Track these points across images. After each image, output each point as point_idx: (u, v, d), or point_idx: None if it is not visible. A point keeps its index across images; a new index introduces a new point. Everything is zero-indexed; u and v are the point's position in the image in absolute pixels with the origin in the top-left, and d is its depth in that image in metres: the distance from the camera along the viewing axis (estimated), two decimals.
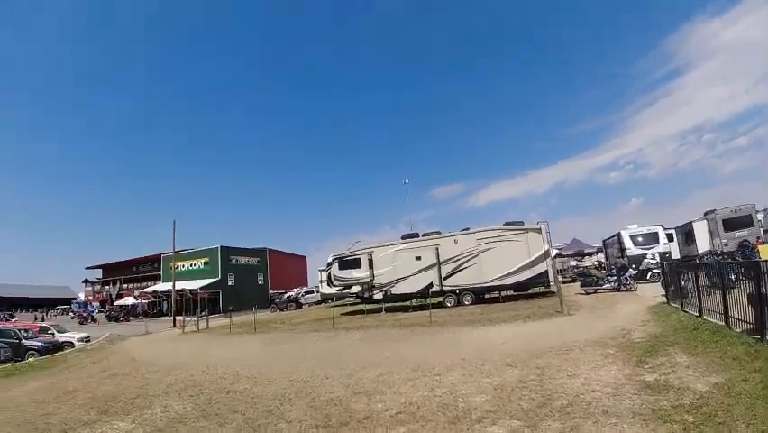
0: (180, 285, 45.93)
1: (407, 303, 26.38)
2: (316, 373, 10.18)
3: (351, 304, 37.74)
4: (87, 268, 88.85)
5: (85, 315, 53.42)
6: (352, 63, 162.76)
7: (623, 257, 27.44)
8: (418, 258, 24.99)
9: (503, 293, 24.44)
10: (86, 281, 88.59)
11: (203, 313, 34.28)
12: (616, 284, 22.45)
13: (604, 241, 37.40)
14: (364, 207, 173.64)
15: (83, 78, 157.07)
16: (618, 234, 29.40)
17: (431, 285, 24.63)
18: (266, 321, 29.45)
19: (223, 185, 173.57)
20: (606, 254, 37.22)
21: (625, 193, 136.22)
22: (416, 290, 24.98)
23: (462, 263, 24.39)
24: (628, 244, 27.94)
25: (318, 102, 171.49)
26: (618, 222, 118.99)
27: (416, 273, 24.92)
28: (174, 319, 37.16)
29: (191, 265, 58.25)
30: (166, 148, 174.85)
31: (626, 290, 21.52)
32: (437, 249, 24.79)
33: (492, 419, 5.93)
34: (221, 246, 56.72)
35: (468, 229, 25.60)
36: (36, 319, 54.02)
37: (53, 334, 25.37)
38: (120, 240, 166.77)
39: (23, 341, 21.26)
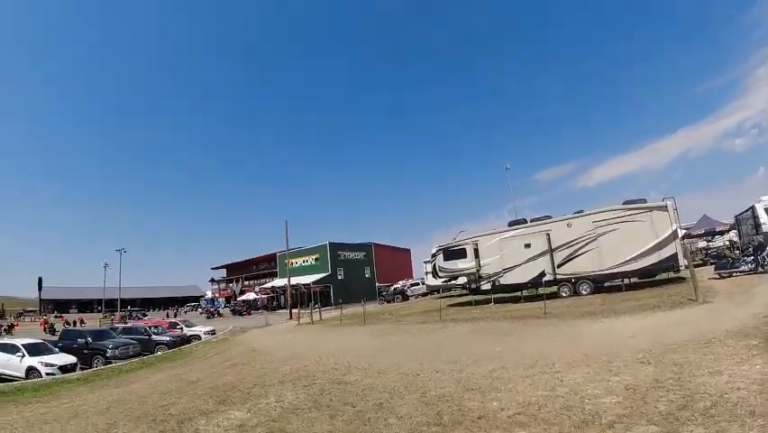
0: (295, 280, 48.49)
1: (518, 293, 25.24)
2: (426, 367, 9.89)
3: (457, 295, 37.14)
4: (213, 268, 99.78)
5: (212, 310, 58.73)
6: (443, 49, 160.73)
7: (758, 234, 23.59)
8: (528, 245, 23.70)
9: (625, 281, 22.24)
10: (212, 280, 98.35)
11: (316, 306, 35.76)
12: (753, 265, 19.46)
13: (736, 217, 32.43)
14: (465, 197, 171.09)
15: (197, 89, 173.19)
16: (752, 208, 25.10)
17: (543, 274, 23.23)
18: (374, 313, 29.93)
19: (328, 185, 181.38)
20: (739, 232, 32.30)
21: (751, 162, 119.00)
22: (526, 279, 23.74)
23: (578, 249, 22.62)
24: (764, 218, 23.88)
25: (409, 94, 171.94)
26: (750, 194, 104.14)
27: (526, 262, 23.65)
28: (290, 312, 39.32)
29: (303, 262, 61.28)
30: (271, 151, 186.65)
31: (765, 272, 18.51)
32: (548, 235, 23.28)
33: (626, 423, 5.17)
34: (329, 243, 59.01)
35: (582, 211, 23.70)
36: (167, 316, 60.19)
37: (181, 328, 27.94)
38: (240, 242, 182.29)
39: (153, 336, 23.44)
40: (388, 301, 46.12)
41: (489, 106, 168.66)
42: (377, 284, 62.51)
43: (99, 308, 75.31)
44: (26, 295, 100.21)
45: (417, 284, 50.53)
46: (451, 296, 39.14)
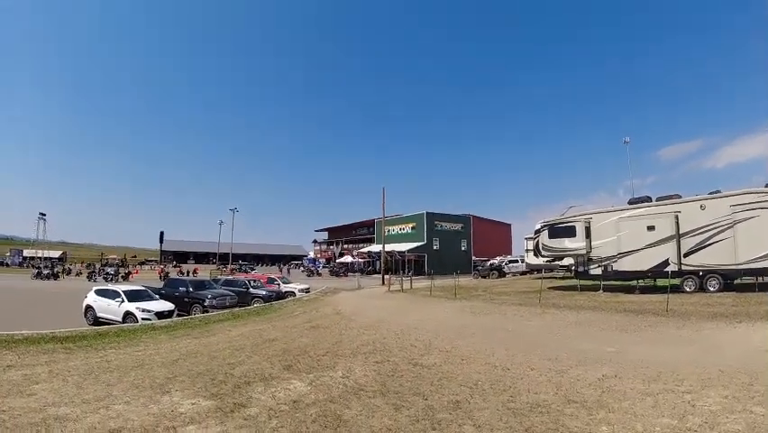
0: (390, 247, 48.38)
1: (631, 283, 22.31)
2: (518, 360, 8.43)
3: (560, 278, 34.26)
4: (316, 231, 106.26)
5: (312, 269, 61.44)
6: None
7: None
8: (651, 228, 20.52)
9: (759, 280, 18.61)
10: (314, 241, 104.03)
11: (408, 274, 35.10)
12: None
13: None
14: (576, 172, 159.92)
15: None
16: None
17: (666, 263, 20.04)
18: (467, 287, 28.50)
19: (433, 156, 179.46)
20: None
21: None
22: (645, 267, 20.69)
23: (710, 237, 19.09)
24: None
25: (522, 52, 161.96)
26: None
27: (648, 247, 20.53)
28: (383, 278, 39.20)
29: (400, 229, 61.16)
30: (379, 124, 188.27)
31: None
32: (677, 217, 19.95)
33: None
34: (426, 212, 58.05)
35: (718, 192, 19.94)
36: (279, 270, 63.69)
37: (278, 284, 28.73)
38: (344, 206, 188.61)
39: (250, 289, 24.23)
40: (483, 277, 44.19)
41: (613, 71, 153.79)
42: (473, 258, 60.62)
43: (214, 260, 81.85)
44: (150, 246, 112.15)
45: (516, 261, 47.75)
46: (553, 277, 36.29)
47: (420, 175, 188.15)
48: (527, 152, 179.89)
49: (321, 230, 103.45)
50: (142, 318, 16.36)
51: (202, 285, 22.60)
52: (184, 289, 21.11)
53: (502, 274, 44.22)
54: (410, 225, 60.02)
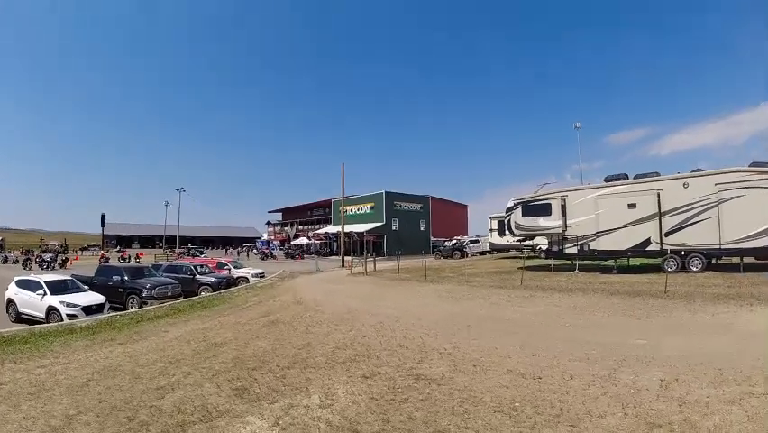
0: (348, 228, 46.19)
1: (608, 263, 21.32)
2: (544, 363, 6.62)
3: (526, 258, 33.21)
4: (270, 211, 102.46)
5: (266, 252, 58.27)
6: None
7: None
8: (632, 206, 19.42)
9: (744, 260, 17.94)
10: (268, 223, 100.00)
11: (370, 255, 33.16)
12: None
13: None
14: (525, 156, 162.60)
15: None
16: None
17: (648, 242, 19.06)
18: (434, 268, 26.81)
19: (388, 134, 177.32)
20: None
21: None
22: (626, 246, 19.64)
23: (693, 216, 18.23)
24: None
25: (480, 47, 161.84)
26: None
27: (628, 226, 19.47)
28: (342, 260, 37.13)
29: (358, 210, 59.16)
30: (330, 101, 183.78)
31: None
32: (659, 195, 18.94)
33: None
34: (385, 192, 56.22)
35: (701, 171, 19.10)
36: (227, 253, 60.26)
37: (229, 269, 25.87)
38: (297, 187, 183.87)
39: (197, 276, 21.34)
40: (445, 257, 43.05)
41: (563, 63, 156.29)
42: (432, 238, 59.51)
43: (161, 244, 77.09)
44: (93, 231, 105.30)
45: (477, 241, 46.98)
46: (516, 257, 35.34)
47: (377, 157, 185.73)
48: (484, 137, 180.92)
49: (275, 211, 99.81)
50: (67, 314, 13.81)
51: (140, 273, 19.46)
52: (118, 277, 18.10)
53: (464, 255, 43.14)
54: (369, 205, 58.08)
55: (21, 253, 61.49)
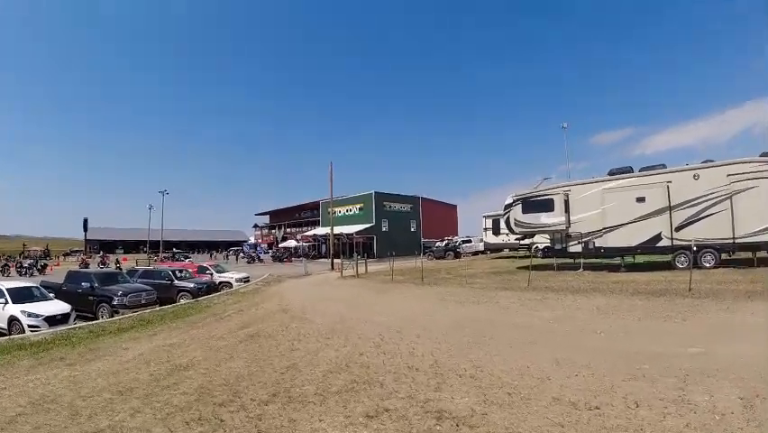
0: (337, 230, 44.63)
1: (615, 261, 20.14)
2: (596, 386, 5.20)
3: (522, 257, 31.95)
4: (257, 214, 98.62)
5: (253, 255, 56.45)
6: None
7: None
8: (640, 199, 18.20)
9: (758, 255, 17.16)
10: (255, 226, 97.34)
11: (361, 258, 31.69)
12: None
13: None
14: (513, 157, 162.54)
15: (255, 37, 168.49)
16: None
17: (659, 237, 17.87)
18: (429, 270, 25.31)
19: (375, 134, 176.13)
20: None
21: None
22: (635, 242, 18.41)
23: (705, 209, 17.13)
24: None
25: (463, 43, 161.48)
26: None
27: (637, 221, 18.27)
28: (332, 262, 35.62)
29: (347, 211, 57.71)
30: (318, 102, 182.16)
31: None
32: (668, 187, 17.75)
33: None
34: (375, 192, 54.79)
35: (711, 161, 17.98)
36: (213, 258, 58.36)
37: (211, 274, 24.26)
38: (285, 189, 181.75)
39: (176, 282, 19.80)
40: (438, 258, 41.73)
41: (551, 62, 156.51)
42: (422, 239, 58.19)
43: (145, 249, 74.75)
44: (78, 236, 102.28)
45: (469, 241, 45.79)
46: (512, 257, 34.12)
47: (364, 159, 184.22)
48: (469, 135, 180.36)
49: (262, 213, 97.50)
50: (29, 325, 12.49)
51: (112, 279, 17.84)
52: (88, 284, 16.46)
53: (458, 255, 41.83)
54: (358, 206, 56.59)
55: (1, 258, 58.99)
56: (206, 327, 11.51)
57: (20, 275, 36.15)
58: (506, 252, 38.93)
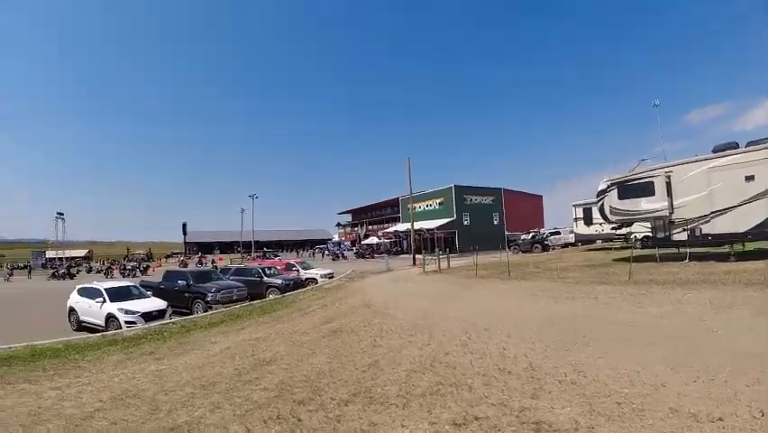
0: (418, 225, 44.33)
1: (724, 248, 17.93)
2: (720, 391, 4.58)
3: (619, 248, 29.61)
4: (339, 213, 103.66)
5: (337, 252, 58.20)
6: None
7: None
8: (749, 178, 15.97)
9: None
10: (338, 224, 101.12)
11: (443, 253, 31.14)
12: None
13: None
14: (600, 141, 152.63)
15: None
16: None
17: None
18: (515, 264, 24.19)
19: (456, 131, 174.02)
20: None
21: None
22: (744, 228, 16.21)
23: None
24: None
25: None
26: None
27: (746, 203, 16.06)
28: (413, 258, 35.34)
29: (427, 206, 57.28)
30: (397, 101, 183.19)
31: None
32: None
33: None
34: (455, 186, 53.77)
35: None
36: (299, 256, 60.97)
37: (297, 271, 25.18)
38: (366, 187, 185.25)
39: (264, 278, 20.87)
40: (524, 251, 39.90)
41: (639, 38, 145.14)
42: (506, 232, 56.19)
43: (239, 249, 79.53)
44: (176, 240, 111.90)
45: (558, 233, 43.44)
46: (606, 249, 31.73)
47: (442, 152, 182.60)
48: (554, 122, 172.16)
49: (344, 212, 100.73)
50: (125, 322, 13.32)
51: (206, 276, 19.19)
52: (183, 282, 17.80)
53: (546, 248, 39.79)
54: (437, 201, 55.94)
55: (104, 262, 65.70)
56: (291, 321, 11.74)
57: (123, 276, 40.13)
58: (598, 243, 36.36)
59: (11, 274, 48.84)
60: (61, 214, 68.83)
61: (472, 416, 4.47)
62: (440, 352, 7.14)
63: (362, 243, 67.85)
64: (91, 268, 58.28)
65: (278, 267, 25.24)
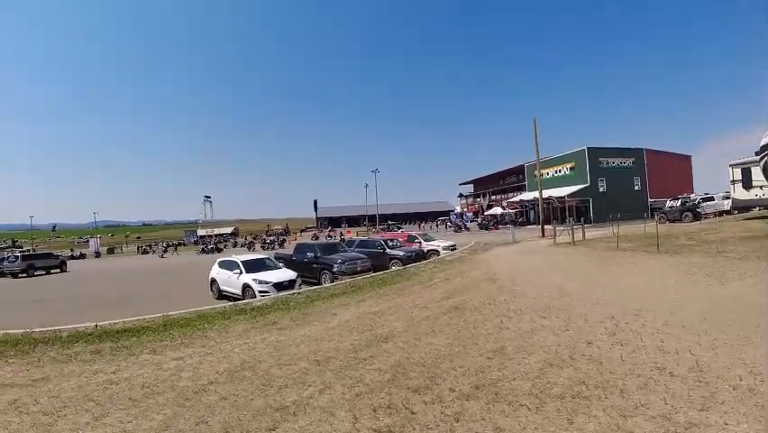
0: (546, 193, 41.57)
1: None
2: None
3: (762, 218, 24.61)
4: (461, 184, 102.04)
5: (459, 224, 57.52)
6: None
7: None
8: None
9: None
10: (460, 195, 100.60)
11: (580, 221, 28.78)
12: None
13: None
14: (750, 92, 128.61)
15: None
16: None
17: None
18: (663, 235, 21.27)
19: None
20: None
21: None
22: None
23: None
24: None
25: None
26: None
27: None
28: (542, 228, 33.26)
29: (556, 172, 53.72)
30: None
31: None
32: None
33: None
34: (587, 148, 49.37)
35: None
36: (421, 228, 61.75)
37: (420, 243, 25.37)
38: (490, 157, 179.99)
39: (387, 250, 21.62)
40: (672, 221, 35.24)
41: None
42: (649, 199, 50.39)
43: (365, 223, 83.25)
44: (310, 215, 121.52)
45: (712, 199, 37.50)
46: (766, 217, 26.58)
47: (566, 116, 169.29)
48: (695, 69, 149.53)
49: (466, 183, 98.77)
50: (259, 291, 14.42)
51: (332, 249, 20.25)
52: (312, 254, 18.98)
53: (697, 216, 34.72)
54: (568, 166, 51.95)
55: (247, 238, 73.60)
56: (412, 294, 11.54)
57: (263, 249, 44.98)
58: (755, 211, 30.64)
59: (165, 251, 55.96)
60: (208, 197, 77.93)
61: (627, 431, 3.65)
62: (580, 341, 6.29)
63: (486, 213, 66.22)
64: (236, 243, 65.64)
65: (401, 239, 25.51)
